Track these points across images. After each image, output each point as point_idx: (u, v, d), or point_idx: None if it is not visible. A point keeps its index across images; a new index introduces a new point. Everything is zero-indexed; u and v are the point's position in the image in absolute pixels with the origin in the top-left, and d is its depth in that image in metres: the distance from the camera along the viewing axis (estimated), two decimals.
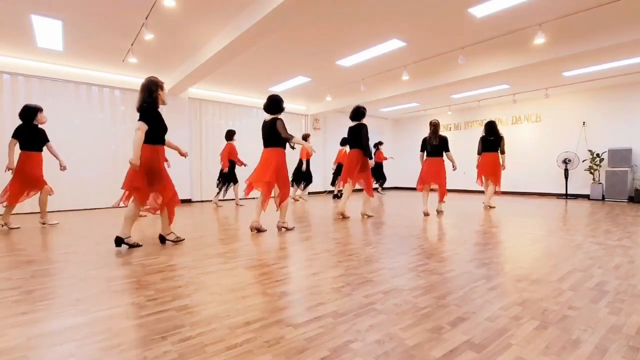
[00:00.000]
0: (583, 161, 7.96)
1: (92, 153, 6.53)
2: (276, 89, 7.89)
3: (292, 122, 9.68)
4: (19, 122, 6.14)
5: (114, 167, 6.75)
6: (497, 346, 1.36)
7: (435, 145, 5.37)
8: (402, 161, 12.03)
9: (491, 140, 6.04)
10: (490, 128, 6.06)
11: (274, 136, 3.81)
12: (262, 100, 8.97)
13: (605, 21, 4.45)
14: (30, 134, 4.26)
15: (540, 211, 5.77)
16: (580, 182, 8.14)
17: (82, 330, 1.53)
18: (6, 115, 5.73)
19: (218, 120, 8.32)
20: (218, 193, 6.79)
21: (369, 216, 5.09)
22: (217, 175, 6.88)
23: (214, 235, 3.78)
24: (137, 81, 6.93)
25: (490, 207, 6.17)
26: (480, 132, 9.53)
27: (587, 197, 8.00)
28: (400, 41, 5.07)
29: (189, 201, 7.71)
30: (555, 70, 6.56)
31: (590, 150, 7.83)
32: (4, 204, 4.23)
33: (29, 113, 4.26)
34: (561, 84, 7.55)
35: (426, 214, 5.27)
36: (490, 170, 6.08)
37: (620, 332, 1.48)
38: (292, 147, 4.00)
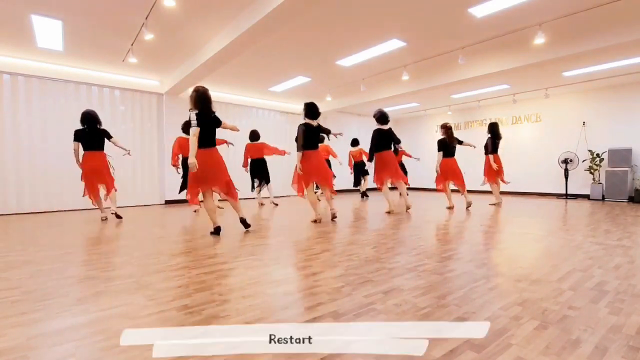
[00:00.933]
0: (583, 161, 7.95)
1: None
2: (276, 89, 7.90)
3: (292, 122, 9.69)
4: (19, 122, 6.16)
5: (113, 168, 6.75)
6: (497, 346, 1.36)
7: (454, 147, 5.95)
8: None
9: (498, 143, 6.46)
10: (498, 130, 6.43)
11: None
12: (263, 100, 8.98)
13: (605, 21, 4.45)
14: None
15: (540, 211, 5.77)
16: (580, 182, 8.13)
17: (82, 330, 1.52)
18: (6, 115, 5.73)
19: None
20: (259, 191, 6.99)
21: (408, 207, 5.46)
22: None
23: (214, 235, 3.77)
24: (137, 81, 6.93)
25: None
26: (480, 132, 9.54)
27: (587, 197, 8.00)
28: (400, 41, 5.07)
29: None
30: (555, 70, 6.56)
31: (590, 150, 7.82)
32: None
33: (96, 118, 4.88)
34: (561, 84, 7.55)
35: (452, 208, 5.86)
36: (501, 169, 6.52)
37: (620, 332, 1.48)
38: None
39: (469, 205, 5.85)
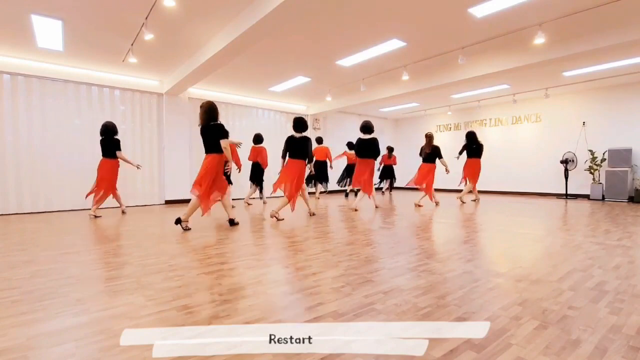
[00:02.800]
0: (585, 162, 7.95)
1: (92, 153, 6.52)
2: (276, 89, 7.90)
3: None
4: (19, 122, 6.18)
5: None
6: (497, 346, 1.36)
7: (428, 154, 6.61)
8: (402, 161, 12.01)
9: (474, 148, 7.17)
10: (473, 137, 7.18)
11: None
12: (263, 100, 8.98)
13: (605, 21, 4.45)
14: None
15: (540, 211, 5.77)
16: (580, 182, 8.13)
17: (82, 330, 1.52)
18: (6, 115, 5.72)
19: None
20: (261, 192, 7.23)
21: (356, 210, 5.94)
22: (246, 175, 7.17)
23: (214, 235, 3.78)
24: (137, 81, 6.93)
25: (464, 203, 7.17)
26: (480, 132, 9.57)
27: (587, 197, 8.00)
28: (400, 41, 5.07)
29: (189, 201, 7.69)
30: (555, 70, 6.56)
31: (590, 150, 7.82)
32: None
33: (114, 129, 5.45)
34: (561, 84, 7.55)
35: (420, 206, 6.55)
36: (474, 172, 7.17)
37: (620, 332, 1.48)
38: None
39: (418, 205, 6.57)
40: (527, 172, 9.12)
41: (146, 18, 4.15)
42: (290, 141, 4.94)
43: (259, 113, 9.02)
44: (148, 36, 4.26)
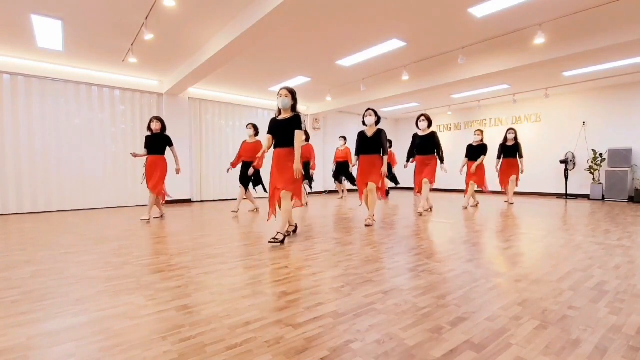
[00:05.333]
0: (588, 161, 7.94)
1: (92, 153, 6.53)
2: (276, 89, 7.90)
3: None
4: (19, 122, 6.19)
5: (114, 167, 6.76)
6: (497, 346, 1.36)
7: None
8: (402, 161, 12.02)
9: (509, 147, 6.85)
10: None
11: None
12: (263, 100, 8.99)
13: (605, 21, 4.45)
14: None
15: (540, 211, 5.77)
16: (580, 182, 8.13)
17: (82, 330, 1.53)
18: (6, 115, 5.72)
19: (218, 120, 8.33)
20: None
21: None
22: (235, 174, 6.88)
23: (215, 235, 3.78)
24: (137, 81, 6.93)
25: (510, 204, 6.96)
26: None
27: (587, 197, 8.00)
28: (400, 41, 5.07)
29: (188, 201, 7.71)
30: (555, 70, 6.56)
31: (593, 150, 7.82)
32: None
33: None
34: (561, 84, 7.55)
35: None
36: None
37: (620, 332, 1.48)
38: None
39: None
40: (527, 172, 9.11)
41: (146, 18, 4.15)
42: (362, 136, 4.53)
43: (259, 113, 9.03)
44: (148, 36, 4.26)
